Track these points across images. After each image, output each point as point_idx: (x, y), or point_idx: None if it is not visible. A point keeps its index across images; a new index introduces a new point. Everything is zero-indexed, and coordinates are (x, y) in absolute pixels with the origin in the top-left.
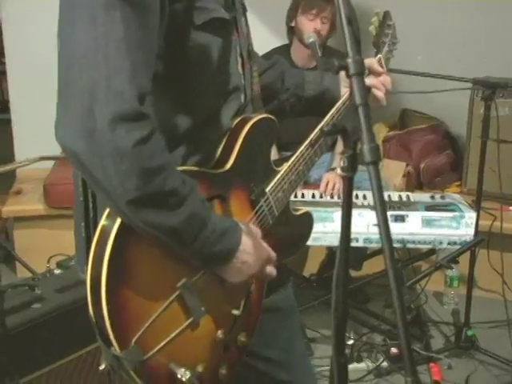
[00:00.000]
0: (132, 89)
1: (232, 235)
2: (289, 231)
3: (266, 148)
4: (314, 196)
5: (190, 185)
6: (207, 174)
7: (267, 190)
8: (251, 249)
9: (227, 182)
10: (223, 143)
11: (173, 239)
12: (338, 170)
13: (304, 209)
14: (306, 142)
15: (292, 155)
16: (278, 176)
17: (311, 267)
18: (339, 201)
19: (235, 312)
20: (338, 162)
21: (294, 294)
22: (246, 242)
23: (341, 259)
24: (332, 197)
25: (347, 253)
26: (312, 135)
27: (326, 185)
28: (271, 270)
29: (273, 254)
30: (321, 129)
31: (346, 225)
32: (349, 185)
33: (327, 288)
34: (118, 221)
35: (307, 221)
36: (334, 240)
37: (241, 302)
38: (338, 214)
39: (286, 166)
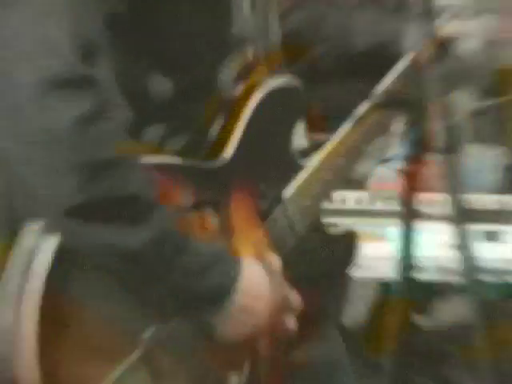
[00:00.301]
0: (72, 42)
1: (225, 266)
2: (321, 259)
3: (287, 130)
4: (359, 202)
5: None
6: (194, 169)
7: (287, 195)
8: (257, 289)
9: (224, 180)
10: (219, 122)
11: (131, 269)
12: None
13: (345, 227)
14: (352, 121)
15: (329, 141)
16: (305, 174)
17: (353, 313)
18: (397, 209)
19: (234, 380)
20: (397, 149)
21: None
22: (249, 278)
23: (399, 298)
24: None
25: (409, 289)
26: (360, 109)
27: (379, 184)
28: (289, 322)
29: (294, 299)
30: (373, 99)
31: (408, 246)
32: (412, 183)
33: (378, 344)
34: (53, 238)
35: (350, 244)
36: (389, 270)
37: (243, 365)
38: (395, 230)
39: (318, 158)
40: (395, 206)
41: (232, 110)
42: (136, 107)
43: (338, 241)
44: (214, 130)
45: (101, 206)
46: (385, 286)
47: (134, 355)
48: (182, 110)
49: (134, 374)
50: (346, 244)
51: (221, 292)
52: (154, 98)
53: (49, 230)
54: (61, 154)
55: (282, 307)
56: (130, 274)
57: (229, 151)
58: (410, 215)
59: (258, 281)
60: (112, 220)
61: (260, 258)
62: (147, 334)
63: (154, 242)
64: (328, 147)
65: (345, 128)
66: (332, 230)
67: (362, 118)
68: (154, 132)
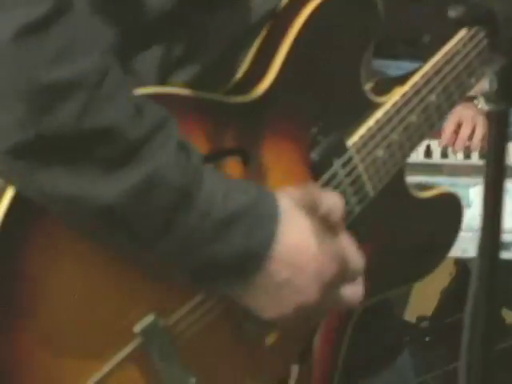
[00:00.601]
0: None
1: (254, 222)
2: (404, 232)
3: (353, 55)
4: (428, 153)
5: (151, 120)
6: (212, 104)
7: (350, 142)
8: (302, 256)
9: (257, 121)
10: (256, 43)
11: (111, 230)
12: (480, 100)
13: (441, 187)
14: (452, 42)
15: (416, 71)
16: (380, 114)
17: (420, 304)
18: (481, 163)
19: None
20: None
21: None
22: (290, 239)
23: (481, 286)
24: (467, 154)
25: (495, 272)
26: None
27: (456, 129)
28: (353, 291)
29: (356, 259)
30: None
31: (494, 213)
32: (501, 129)
33: (452, 346)
34: (10, 191)
35: (449, 210)
36: (468, 245)
37: (287, 367)
38: (477, 191)
39: (398, 93)
40: (476, 160)
41: (272, 25)
42: (124, 22)
43: (431, 209)
44: (243, 54)
45: (58, 143)
46: (460, 268)
47: (124, 351)
48: (191, 26)
49: (123, 374)
50: (445, 213)
51: (246, 262)
52: (150, 9)
53: None
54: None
55: (343, 275)
56: (111, 236)
57: (266, 82)
58: (497, 171)
59: (303, 244)
60: (75, 163)
61: (309, 202)
62: (140, 326)
63: (137, 195)
64: (414, 79)
65: (439, 54)
66: (421, 193)
67: (466, 40)
68: (151, 57)
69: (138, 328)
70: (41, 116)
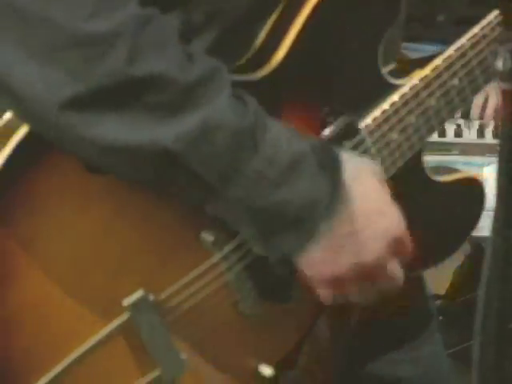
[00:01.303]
0: None
1: (320, 161)
2: (422, 215)
3: (370, 35)
4: (442, 131)
5: (203, 67)
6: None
7: (363, 124)
8: (375, 202)
9: (267, 100)
10: (273, 17)
11: (173, 173)
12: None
13: (463, 171)
14: (479, 25)
15: (438, 54)
16: (396, 98)
17: (434, 283)
18: (494, 142)
19: (265, 371)
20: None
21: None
22: (358, 186)
23: (495, 264)
24: (481, 132)
25: (509, 251)
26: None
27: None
28: (395, 268)
29: (407, 239)
30: None
31: (508, 192)
32: None
33: (466, 325)
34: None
35: (470, 195)
36: (482, 224)
37: (284, 349)
38: (491, 169)
39: (417, 76)
40: (490, 139)
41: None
42: None
43: (452, 194)
44: (261, 25)
45: (109, 92)
46: (474, 248)
47: (112, 324)
48: None
49: (111, 347)
50: (466, 199)
51: (311, 209)
52: None
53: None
54: (33, 37)
55: (396, 243)
56: (174, 183)
57: (278, 56)
58: (511, 150)
59: (373, 195)
60: (130, 111)
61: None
62: (131, 299)
63: (195, 138)
64: (436, 63)
65: (465, 38)
66: (441, 177)
67: (492, 24)
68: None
69: (126, 302)
70: (89, 66)
